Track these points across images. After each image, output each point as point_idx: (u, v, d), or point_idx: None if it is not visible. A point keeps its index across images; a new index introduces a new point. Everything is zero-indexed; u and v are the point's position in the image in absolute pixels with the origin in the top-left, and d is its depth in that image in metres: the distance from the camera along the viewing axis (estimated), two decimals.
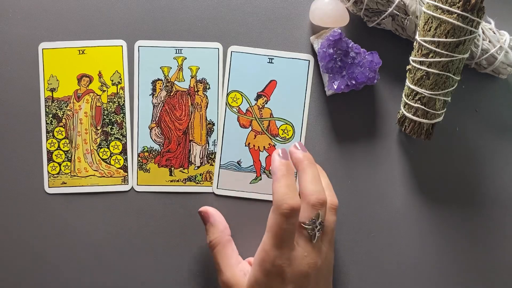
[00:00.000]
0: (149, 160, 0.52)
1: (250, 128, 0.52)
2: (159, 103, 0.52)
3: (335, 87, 0.49)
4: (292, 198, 0.42)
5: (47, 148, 0.51)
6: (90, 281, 0.51)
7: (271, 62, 0.52)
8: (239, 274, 0.45)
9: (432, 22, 0.45)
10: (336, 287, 0.51)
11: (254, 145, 0.52)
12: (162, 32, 0.52)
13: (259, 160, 0.52)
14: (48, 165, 0.51)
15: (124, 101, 0.52)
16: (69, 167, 0.51)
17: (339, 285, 0.51)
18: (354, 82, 0.49)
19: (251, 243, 0.51)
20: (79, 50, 0.52)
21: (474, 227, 0.52)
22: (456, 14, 0.44)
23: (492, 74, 0.51)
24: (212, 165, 0.52)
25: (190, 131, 0.52)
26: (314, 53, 0.52)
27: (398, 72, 0.51)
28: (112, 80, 0.52)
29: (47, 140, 0.51)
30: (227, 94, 0.52)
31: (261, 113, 0.52)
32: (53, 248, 0.51)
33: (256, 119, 0.52)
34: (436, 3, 0.45)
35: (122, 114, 0.52)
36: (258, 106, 0.52)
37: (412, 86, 0.47)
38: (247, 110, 0.52)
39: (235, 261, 0.46)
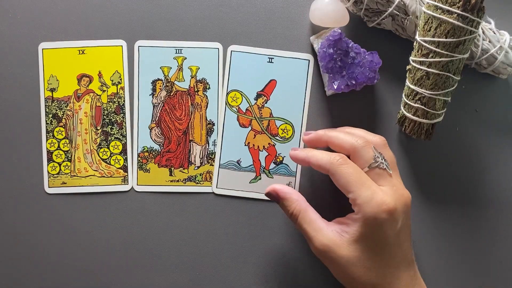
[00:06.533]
0: (149, 160, 0.52)
1: (249, 128, 0.52)
2: (159, 103, 0.52)
3: (335, 87, 0.49)
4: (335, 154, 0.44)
5: (47, 148, 0.51)
6: (90, 281, 0.51)
7: (271, 62, 0.52)
8: (332, 234, 0.43)
9: (432, 22, 0.45)
10: (335, 287, 0.51)
11: (253, 145, 0.52)
12: (162, 32, 0.52)
13: (259, 160, 0.52)
14: (48, 165, 0.51)
15: (124, 101, 0.52)
16: (69, 167, 0.51)
17: (339, 285, 0.51)
18: (354, 82, 0.49)
19: (251, 242, 0.51)
20: (79, 50, 0.52)
21: (473, 227, 0.52)
22: (456, 14, 0.44)
23: (492, 74, 0.51)
24: (212, 165, 0.52)
25: (190, 131, 0.52)
26: (314, 53, 0.52)
27: (398, 72, 0.51)
28: (112, 80, 0.52)
29: (47, 140, 0.51)
30: (227, 94, 0.52)
31: (261, 113, 0.52)
32: (53, 248, 0.51)
33: (255, 119, 0.52)
34: (436, 3, 0.45)
35: (122, 114, 0.52)
36: (258, 105, 0.52)
37: (412, 86, 0.47)
38: (246, 109, 0.52)
39: (323, 223, 0.44)
